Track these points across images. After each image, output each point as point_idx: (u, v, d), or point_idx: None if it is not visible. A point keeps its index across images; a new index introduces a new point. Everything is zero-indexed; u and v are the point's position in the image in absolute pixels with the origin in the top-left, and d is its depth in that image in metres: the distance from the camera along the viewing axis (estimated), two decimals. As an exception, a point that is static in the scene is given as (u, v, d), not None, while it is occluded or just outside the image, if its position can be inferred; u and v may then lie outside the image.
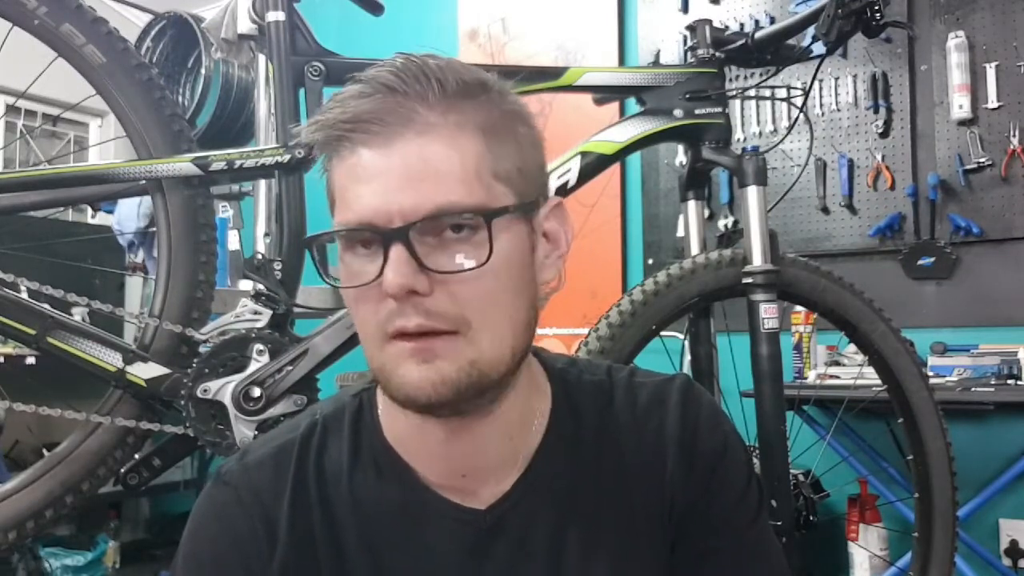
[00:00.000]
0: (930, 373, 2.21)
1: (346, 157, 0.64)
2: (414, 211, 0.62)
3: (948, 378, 2.38)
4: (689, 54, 1.56)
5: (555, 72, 1.49)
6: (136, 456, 1.46)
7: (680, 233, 2.72)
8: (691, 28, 1.55)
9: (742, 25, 2.96)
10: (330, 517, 0.72)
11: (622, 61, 3.30)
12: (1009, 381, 2.32)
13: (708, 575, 0.75)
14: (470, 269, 0.63)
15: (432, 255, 0.63)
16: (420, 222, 0.62)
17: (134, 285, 4.02)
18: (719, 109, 1.50)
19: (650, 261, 3.17)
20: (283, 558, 0.71)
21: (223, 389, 1.35)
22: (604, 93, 1.58)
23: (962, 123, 2.61)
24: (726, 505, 0.76)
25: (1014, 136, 2.53)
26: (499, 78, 0.69)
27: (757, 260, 1.44)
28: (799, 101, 1.76)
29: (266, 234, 1.53)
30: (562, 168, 1.41)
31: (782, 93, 1.99)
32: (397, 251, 0.61)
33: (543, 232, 0.70)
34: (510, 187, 0.66)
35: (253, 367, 1.36)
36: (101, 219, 3.86)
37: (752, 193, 1.46)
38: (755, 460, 1.40)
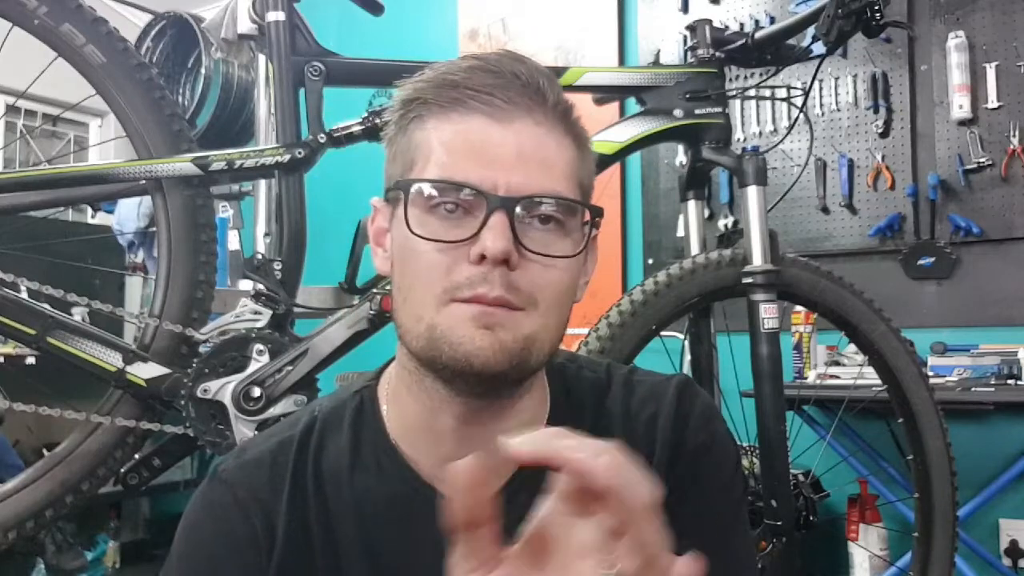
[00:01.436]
0: (930, 373, 2.21)
1: (454, 120, 0.66)
2: (521, 189, 0.65)
3: (948, 378, 2.38)
4: (689, 54, 1.56)
5: (555, 72, 1.49)
6: (136, 456, 1.46)
7: (680, 233, 2.72)
8: (691, 28, 1.55)
9: (742, 25, 2.96)
10: (328, 516, 0.72)
11: (622, 61, 3.30)
12: (1009, 381, 2.32)
13: None
14: (563, 257, 0.66)
15: (525, 234, 0.65)
16: (527, 198, 0.65)
17: (134, 285, 4.03)
18: (719, 109, 1.50)
19: (650, 261, 3.17)
20: (281, 558, 0.71)
21: (223, 389, 1.35)
22: (604, 93, 1.58)
23: (962, 123, 2.61)
24: (706, 500, 0.75)
25: (1014, 136, 2.53)
26: None
27: (757, 260, 1.44)
28: (799, 101, 1.76)
29: (266, 234, 1.53)
30: (562, 168, 1.41)
31: (782, 93, 1.99)
32: (499, 219, 0.63)
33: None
34: (586, 199, 0.71)
35: (253, 367, 1.36)
36: (101, 219, 3.86)
37: (752, 193, 1.47)
38: (755, 460, 1.41)
